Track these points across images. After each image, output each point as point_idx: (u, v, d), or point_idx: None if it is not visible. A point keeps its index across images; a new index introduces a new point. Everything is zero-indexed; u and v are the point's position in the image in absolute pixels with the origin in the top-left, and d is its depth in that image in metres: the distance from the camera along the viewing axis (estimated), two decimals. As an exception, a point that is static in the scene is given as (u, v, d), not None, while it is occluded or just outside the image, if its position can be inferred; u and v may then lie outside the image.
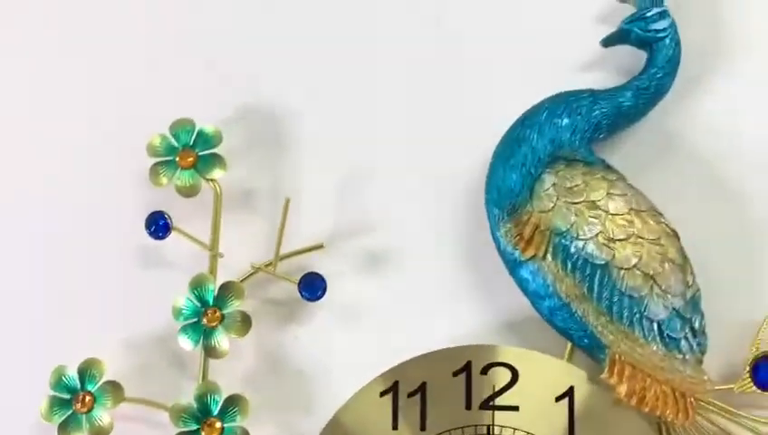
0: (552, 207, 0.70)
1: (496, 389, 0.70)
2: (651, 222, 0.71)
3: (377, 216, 0.79)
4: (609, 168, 0.73)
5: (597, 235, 0.70)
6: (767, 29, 0.79)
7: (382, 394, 0.70)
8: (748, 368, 0.71)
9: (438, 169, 0.79)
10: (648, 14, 0.74)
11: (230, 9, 0.83)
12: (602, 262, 0.70)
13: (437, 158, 0.79)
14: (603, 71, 0.79)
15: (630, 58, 0.78)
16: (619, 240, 0.70)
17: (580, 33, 0.79)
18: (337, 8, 0.82)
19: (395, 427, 0.70)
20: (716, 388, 0.71)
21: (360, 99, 0.81)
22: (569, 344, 0.72)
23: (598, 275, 0.70)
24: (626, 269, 0.69)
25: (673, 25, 0.74)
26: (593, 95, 0.74)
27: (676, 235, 0.72)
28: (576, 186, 0.71)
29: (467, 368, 0.71)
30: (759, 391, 0.71)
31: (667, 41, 0.74)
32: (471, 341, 0.76)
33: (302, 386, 0.77)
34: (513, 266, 0.72)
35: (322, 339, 0.78)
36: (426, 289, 0.78)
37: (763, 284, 0.75)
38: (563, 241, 0.70)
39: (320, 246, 0.76)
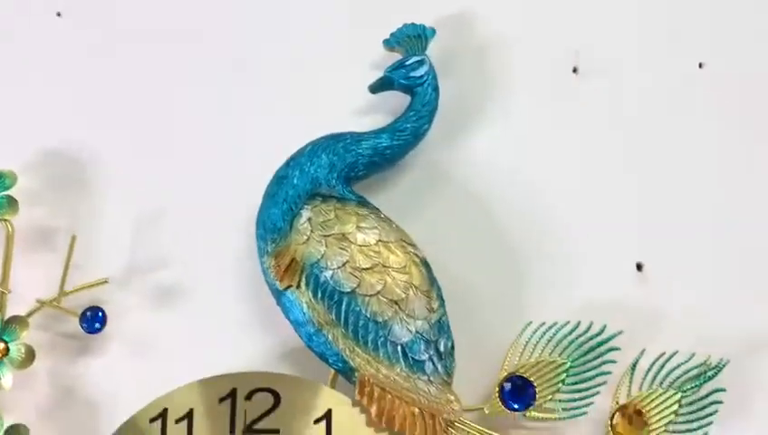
0: (307, 239, 0.75)
1: (259, 413, 0.74)
2: (398, 252, 0.76)
3: (167, 253, 0.83)
4: (363, 203, 0.78)
5: (344, 264, 0.74)
6: (526, 77, 0.84)
7: (152, 421, 0.74)
8: (497, 389, 0.76)
9: (225, 208, 0.83)
10: (408, 63, 0.80)
11: (40, 56, 0.89)
12: (348, 289, 0.74)
13: (223, 198, 0.83)
14: (380, 113, 0.85)
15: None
16: (365, 269, 0.74)
17: (360, 80, 0.85)
18: (134, 55, 0.87)
19: (162, 451, 0.74)
20: (467, 409, 0.75)
21: (154, 143, 0.86)
22: (332, 370, 0.77)
23: (345, 302, 0.74)
24: (370, 296, 0.74)
25: (431, 72, 0.80)
26: (353, 137, 0.79)
27: (424, 263, 0.76)
28: (329, 220, 0.75)
29: (233, 394, 0.74)
30: (508, 411, 0.75)
31: (426, 87, 0.79)
32: (252, 369, 0.80)
33: (92, 416, 0.80)
34: (277, 296, 0.76)
35: (113, 371, 0.81)
36: (211, 321, 0.81)
37: (523, 308, 0.79)
38: (315, 271, 0.75)
39: (104, 281, 0.80)
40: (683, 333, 0.78)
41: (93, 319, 0.77)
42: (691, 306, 0.80)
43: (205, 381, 0.75)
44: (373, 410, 0.73)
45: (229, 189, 0.83)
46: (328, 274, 0.74)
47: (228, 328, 0.82)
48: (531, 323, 0.77)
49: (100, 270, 0.82)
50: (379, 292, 0.74)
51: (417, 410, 0.73)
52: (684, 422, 0.74)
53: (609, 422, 0.74)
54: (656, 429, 0.74)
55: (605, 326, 0.77)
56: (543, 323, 0.76)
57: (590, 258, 0.82)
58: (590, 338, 0.76)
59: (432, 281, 0.76)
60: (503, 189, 0.83)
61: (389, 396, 0.73)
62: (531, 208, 0.83)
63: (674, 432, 0.74)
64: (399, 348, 0.74)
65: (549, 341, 0.76)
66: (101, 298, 0.82)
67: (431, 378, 0.74)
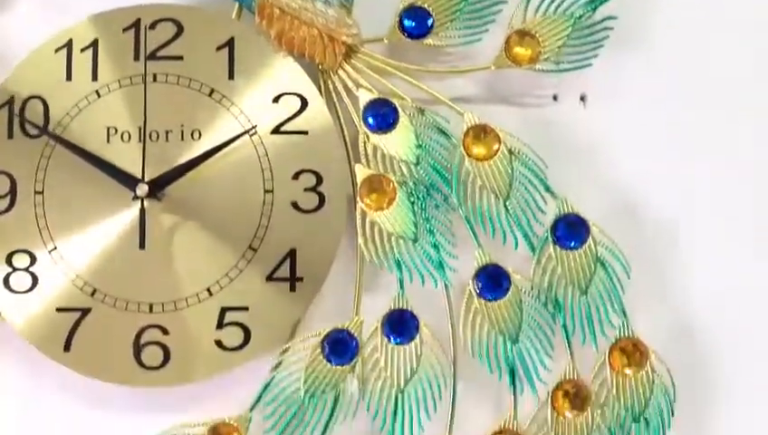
0: None
1: (162, 41, 0.76)
2: None
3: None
4: None
5: None
6: None
7: (57, 51, 0.76)
8: (397, 18, 0.77)
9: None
10: None
11: None
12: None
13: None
14: None
15: None
16: None
17: None
18: None
19: (68, 78, 0.75)
20: (367, 40, 0.77)
21: None
22: (236, 5, 0.77)
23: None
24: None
25: None
26: None
27: None
28: None
29: (137, 24, 0.76)
30: (407, 39, 0.76)
31: None
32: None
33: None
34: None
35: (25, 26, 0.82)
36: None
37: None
38: None
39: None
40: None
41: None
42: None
43: (108, 12, 0.77)
44: (272, 31, 0.75)
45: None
46: None
47: None
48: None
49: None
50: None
51: (316, 32, 0.75)
52: (575, 46, 0.76)
53: (505, 46, 0.77)
54: (548, 52, 0.76)
55: (503, -41, 0.79)
56: (444, -40, 0.78)
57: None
58: (489, -31, 0.78)
59: None
60: None
61: (289, 17, 0.75)
62: None
63: (566, 55, 0.76)
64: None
65: (449, -26, 0.78)
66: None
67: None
